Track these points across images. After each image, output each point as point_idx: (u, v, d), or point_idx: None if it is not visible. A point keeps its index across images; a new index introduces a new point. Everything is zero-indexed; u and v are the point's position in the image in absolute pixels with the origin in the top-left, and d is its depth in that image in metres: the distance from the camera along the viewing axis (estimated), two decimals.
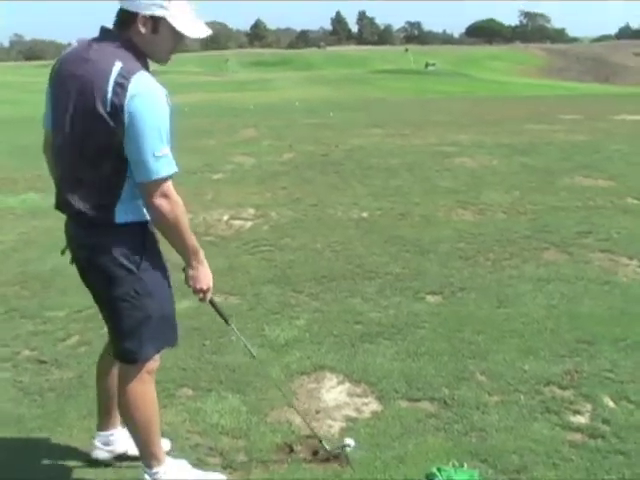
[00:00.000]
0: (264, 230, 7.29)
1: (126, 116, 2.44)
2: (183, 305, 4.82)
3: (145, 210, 2.67)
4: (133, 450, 3.10)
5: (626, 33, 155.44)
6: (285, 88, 47.31)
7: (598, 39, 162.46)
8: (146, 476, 2.96)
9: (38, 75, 69.12)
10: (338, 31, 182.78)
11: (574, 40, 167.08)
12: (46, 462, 3.24)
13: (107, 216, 2.63)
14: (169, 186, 2.56)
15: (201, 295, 2.86)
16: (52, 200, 2.79)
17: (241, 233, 7.22)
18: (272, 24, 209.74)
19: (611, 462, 3.06)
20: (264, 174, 10.48)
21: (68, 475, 3.15)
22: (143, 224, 2.72)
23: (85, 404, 3.65)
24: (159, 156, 2.49)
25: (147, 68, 2.61)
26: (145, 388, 2.88)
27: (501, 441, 3.25)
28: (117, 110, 2.44)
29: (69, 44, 3.13)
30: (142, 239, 2.72)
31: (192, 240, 2.71)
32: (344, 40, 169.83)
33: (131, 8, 2.53)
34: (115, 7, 2.59)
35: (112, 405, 3.14)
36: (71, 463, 3.22)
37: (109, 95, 2.44)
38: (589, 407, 3.55)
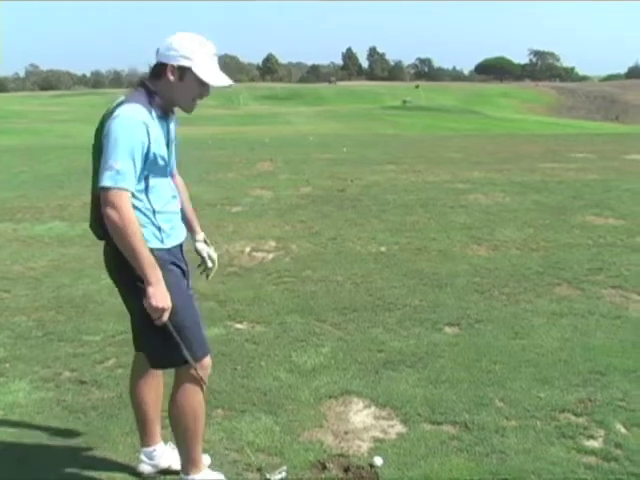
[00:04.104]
0: (285, 262, 7.54)
1: (104, 133, 2.87)
2: (213, 332, 5.13)
3: (144, 233, 2.89)
4: (176, 465, 3.36)
5: (636, 72, 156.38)
6: (298, 122, 47.95)
7: (607, 78, 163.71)
8: None
9: (54, 105, 70.43)
10: (349, 66, 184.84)
11: (584, 78, 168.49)
12: (94, 475, 3.46)
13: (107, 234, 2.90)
14: (120, 199, 2.77)
15: (157, 315, 2.87)
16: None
17: (264, 264, 7.48)
18: (283, 58, 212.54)
19: None
20: (283, 207, 10.76)
21: None
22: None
23: (127, 422, 3.88)
24: (109, 167, 2.78)
25: (164, 110, 3.01)
26: (192, 396, 3.13)
27: (520, 462, 3.46)
28: (104, 130, 2.89)
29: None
30: None
31: (146, 256, 2.81)
32: (354, 75, 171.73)
33: (163, 60, 2.96)
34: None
35: (148, 421, 3.40)
36: (118, 476, 3.45)
37: (106, 121, 2.91)
38: (602, 433, 3.75)
